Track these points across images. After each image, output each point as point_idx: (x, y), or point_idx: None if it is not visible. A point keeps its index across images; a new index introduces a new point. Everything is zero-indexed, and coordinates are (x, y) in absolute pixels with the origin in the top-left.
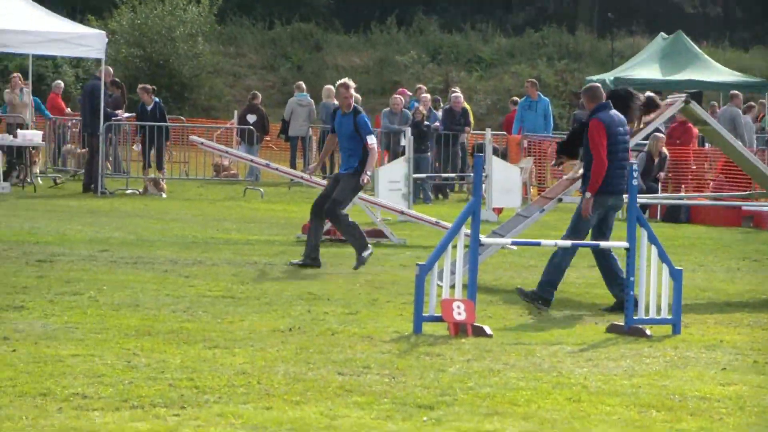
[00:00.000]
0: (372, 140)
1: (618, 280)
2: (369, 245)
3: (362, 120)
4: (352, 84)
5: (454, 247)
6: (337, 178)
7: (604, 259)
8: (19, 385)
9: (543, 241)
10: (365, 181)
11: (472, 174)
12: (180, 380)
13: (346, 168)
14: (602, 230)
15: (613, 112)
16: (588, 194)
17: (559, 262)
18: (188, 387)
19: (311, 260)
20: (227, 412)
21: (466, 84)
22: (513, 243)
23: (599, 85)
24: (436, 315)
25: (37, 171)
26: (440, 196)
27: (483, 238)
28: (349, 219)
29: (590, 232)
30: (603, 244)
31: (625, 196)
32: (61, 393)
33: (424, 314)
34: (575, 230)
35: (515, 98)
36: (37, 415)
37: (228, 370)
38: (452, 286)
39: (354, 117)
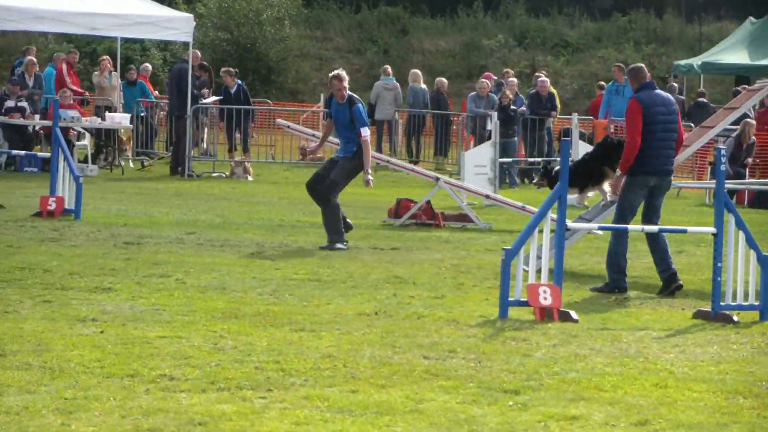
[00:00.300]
0: (366, 132)
1: (659, 256)
2: (345, 242)
3: (357, 111)
4: (345, 76)
5: (541, 231)
6: (333, 161)
7: (655, 241)
8: (107, 367)
9: (630, 226)
10: (369, 183)
11: (558, 158)
12: (266, 363)
13: (344, 153)
14: (648, 214)
15: (657, 91)
16: (618, 172)
17: (613, 250)
18: (274, 370)
19: (332, 243)
20: (313, 395)
21: (552, 68)
22: (599, 228)
23: (642, 65)
24: (521, 300)
25: (129, 154)
26: (526, 180)
27: (569, 223)
28: (340, 208)
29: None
30: (690, 229)
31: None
32: (149, 374)
33: (509, 299)
34: (621, 214)
35: (602, 83)
36: (125, 396)
37: (314, 353)
38: (538, 271)
39: (350, 108)
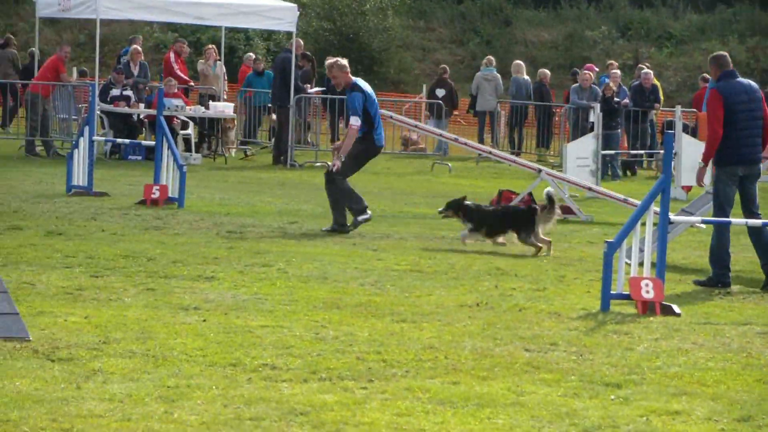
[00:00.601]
0: (354, 122)
1: (763, 250)
2: (367, 211)
3: (350, 98)
4: (337, 65)
5: (643, 224)
6: None
7: (759, 235)
8: (210, 355)
9: (734, 220)
10: (334, 166)
11: (661, 151)
12: (368, 353)
13: None
14: (746, 203)
15: (738, 80)
16: (701, 163)
17: (716, 245)
18: (376, 360)
19: (339, 226)
20: (414, 386)
21: (655, 60)
22: (702, 221)
23: (725, 54)
24: (624, 293)
25: (234, 143)
26: (629, 173)
27: (672, 216)
28: (346, 186)
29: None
30: None
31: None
32: (251, 364)
33: (611, 292)
34: (719, 207)
35: (705, 75)
36: (227, 385)
37: (415, 344)
38: (640, 264)
39: (348, 94)
